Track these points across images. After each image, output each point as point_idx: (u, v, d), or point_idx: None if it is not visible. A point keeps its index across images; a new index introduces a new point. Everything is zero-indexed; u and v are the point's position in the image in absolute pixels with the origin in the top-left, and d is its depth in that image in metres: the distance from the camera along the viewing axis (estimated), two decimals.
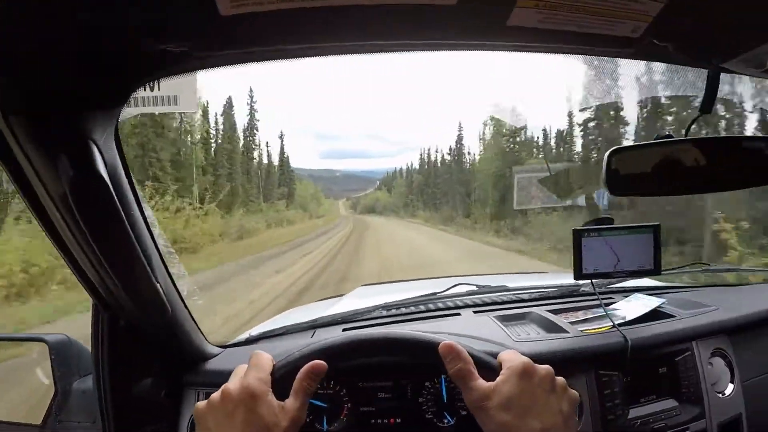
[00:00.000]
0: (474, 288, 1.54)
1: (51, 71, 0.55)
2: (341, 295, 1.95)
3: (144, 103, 0.87)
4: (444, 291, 1.50)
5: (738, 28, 0.68)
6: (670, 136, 0.92)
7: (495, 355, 0.75)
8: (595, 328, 1.19)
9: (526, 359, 0.71)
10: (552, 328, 1.21)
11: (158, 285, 0.85)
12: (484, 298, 1.46)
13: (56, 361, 1.11)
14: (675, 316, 1.26)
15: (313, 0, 0.50)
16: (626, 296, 1.42)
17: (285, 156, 34.81)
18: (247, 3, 0.49)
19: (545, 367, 0.71)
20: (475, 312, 1.37)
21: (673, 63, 0.84)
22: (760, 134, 1.11)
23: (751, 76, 0.84)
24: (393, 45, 0.65)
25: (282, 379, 0.71)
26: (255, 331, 1.35)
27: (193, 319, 1.07)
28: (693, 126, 0.96)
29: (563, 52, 0.71)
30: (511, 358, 0.72)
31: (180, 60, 0.61)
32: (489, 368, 0.73)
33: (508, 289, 1.52)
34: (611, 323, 1.17)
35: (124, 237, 0.72)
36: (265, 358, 0.73)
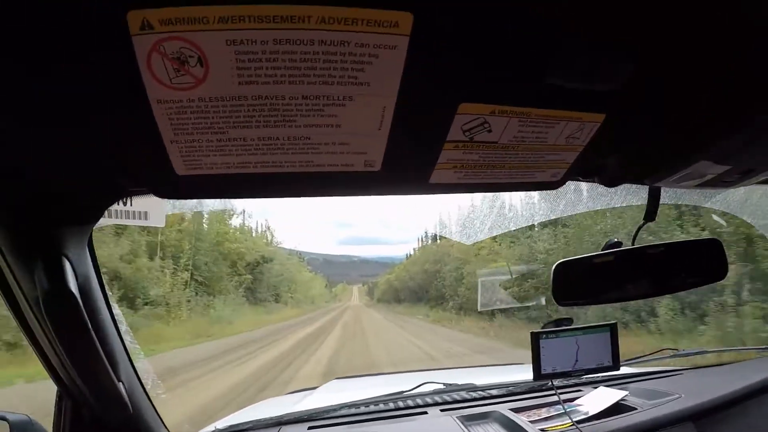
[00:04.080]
0: (441, 386, 1.55)
1: (27, 192, 0.61)
2: (314, 388, 1.95)
3: (117, 215, 0.92)
4: (412, 389, 1.51)
5: (659, 158, 0.73)
6: (619, 243, 0.96)
7: None
8: (554, 426, 1.19)
9: None
10: (513, 428, 1.22)
11: (120, 383, 0.87)
12: (452, 395, 1.47)
13: None
14: (637, 408, 1.27)
15: (256, 168, 0.57)
16: (595, 387, 1.44)
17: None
18: (201, 167, 0.56)
19: None
20: (441, 410, 1.38)
21: (606, 185, 0.88)
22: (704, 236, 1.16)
23: (688, 188, 0.88)
24: (327, 194, 0.70)
25: None
26: (221, 424, 1.34)
27: (157, 413, 1.07)
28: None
29: (490, 192, 0.75)
30: None
31: (144, 192, 0.69)
32: None
33: (474, 388, 1.52)
34: (570, 421, 1.17)
35: (88, 340, 0.75)
36: None
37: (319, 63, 0.43)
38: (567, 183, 0.78)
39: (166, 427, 1.11)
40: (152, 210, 0.98)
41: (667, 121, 0.63)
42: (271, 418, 1.31)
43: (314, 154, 0.55)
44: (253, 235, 22.11)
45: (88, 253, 0.78)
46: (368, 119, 0.51)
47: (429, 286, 22.56)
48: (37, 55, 0.41)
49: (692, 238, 1.05)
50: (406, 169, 0.63)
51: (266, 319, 17.55)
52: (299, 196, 0.69)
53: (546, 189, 0.76)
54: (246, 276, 18.41)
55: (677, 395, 1.32)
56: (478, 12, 0.42)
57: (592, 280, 0.96)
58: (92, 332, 0.74)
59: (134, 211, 0.95)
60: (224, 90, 0.45)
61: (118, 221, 0.96)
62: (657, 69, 0.52)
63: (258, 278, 19.90)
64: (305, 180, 0.61)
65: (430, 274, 22.02)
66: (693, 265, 0.98)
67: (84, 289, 0.74)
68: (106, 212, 0.73)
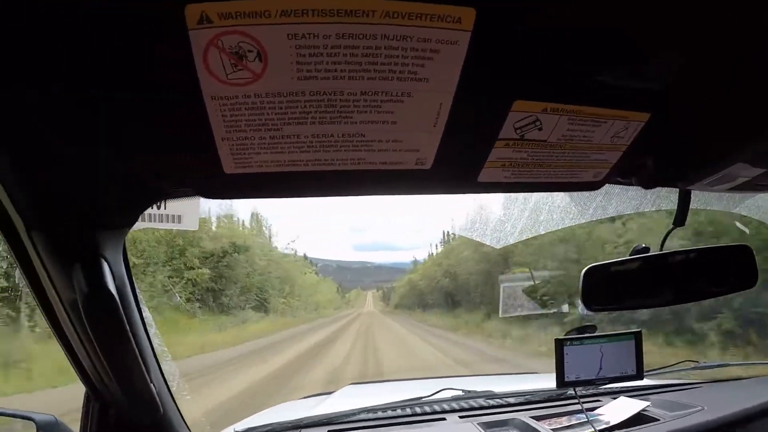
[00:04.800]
0: (460, 392, 1.53)
1: (69, 197, 0.61)
2: (330, 392, 1.94)
3: (150, 219, 0.93)
4: (430, 395, 1.50)
5: (696, 159, 0.73)
6: (647, 249, 0.95)
7: None
8: None
9: None
10: None
11: (152, 385, 0.87)
12: (471, 402, 1.46)
13: None
14: (659, 419, 1.25)
15: (307, 166, 0.57)
16: (614, 398, 1.41)
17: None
18: (251, 165, 0.56)
19: None
20: (460, 417, 1.37)
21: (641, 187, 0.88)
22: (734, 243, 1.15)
23: (720, 192, 0.88)
24: (376, 193, 0.70)
25: None
26: (240, 426, 1.34)
27: (182, 416, 1.08)
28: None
29: (534, 192, 0.75)
30: None
31: (185, 193, 0.69)
32: None
33: (493, 395, 1.51)
34: (593, 429, 1.15)
35: (126, 342, 0.75)
36: None
37: (380, 58, 0.43)
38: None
39: (188, 429, 1.12)
40: (186, 213, 0.99)
41: (708, 121, 0.63)
42: (290, 422, 1.31)
43: (366, 152, 0.55)
44: (236, 225, 16.41)
45: (122, 256, 0.78)
46: (424, 116, 0.51)
47: (472, 290, 16.38)
48: (92, 51, 0.41)
49: (722, 244, 1.04)
50: (456, 167, 0.63)
51: (214, 340, 10.79)
52: (347, 195, 0.70)
53: (587, 189, 0.76)
54: (200, 270, 12.32)
55: (699, 407, 1.30)
56: (537, 9, 0.42)
57: (621, 285, 0.95)
58: (129, 333, 0.74)
59: (168, 215, 0.96)
60: (282, 85, 0.45)
61: (152, 225, 0.97)
62: (702, 68, 0.52)
63: (224, 275, 13.80)
64: (355, 178, 0.61)
65: (477, 274, 15.98)
66: (722, 271, 0.97)
67: (120, 291, 0.74)
68: (140, 216, 0.74)
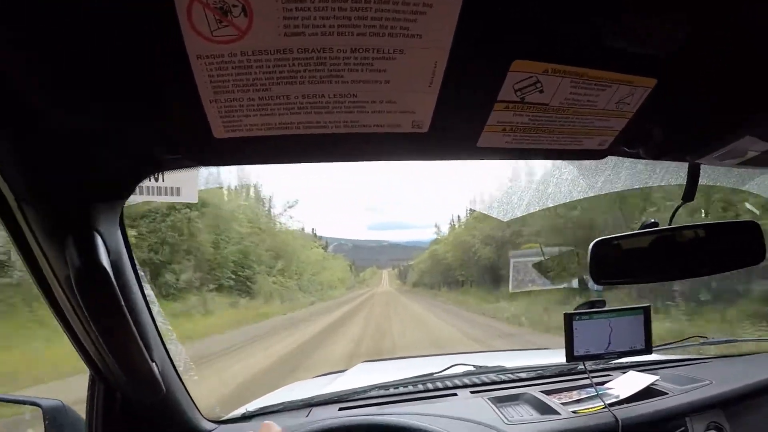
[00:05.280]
0: (471, 368, 1.55)
1: (59, 168, 0.60)
2: (342, 371, 1.96)
3: (148, 192, 0.92)
4: (441, 371, 1.52)
5: (705, 130, 0.72)
6: (655, 224, 0.96)
7: None
8: (587, 409, 1.20)
9: None
10: (545, 409, 1.22)
11: (153, 364, 0.86)
12: (482, 377, 1.48)
13: (49, 427, 1.08)
14: (668, 393, 1.27)
15: (299, 129, 0.55)
16: (624, 372, 1.44)
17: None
18: (241, 129, 0.54)
19: None
20: (471, 392, 1.38)
21: (648, 159, 0.88)
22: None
23: (729, 166, 0.87)
24: (372, 158, 0.69)
25: None
26: (252, 406, 1.36)
27: (190, 396, 1.09)
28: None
29: (536, 159, 0.75)
30: None
31: (179, 163, 0.67)
32: None
33: (504, 370, 1.53)
34: (603, 403, 1.18)
35: (121, 319, 0.74)
36: (276, 430, 0.73)
37: (370, 12, 0.41)
38: (606, 160, 0.77)
39: (198, 409, 1.14)
40: (184, 186, 0.98)
41: (717, 92, 0.62)
42: (302, 400, 1.33)
43: (360, 113, 0.54)
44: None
45: (119, 230, 0.76)
46: (418, 75, 0.49)
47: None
48: (75, 14, 0.40)
49: (729, 220, 1.04)
50: (454, 130, 0.61)
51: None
52: (343, 160, 0.68)
53: (592, 158, 0.75)
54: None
55: (707, 381, 1.32)
56: None
57: (629, 259, 0.96)
58: (125, 310, 0.73)
59: (166, 187, 0.95)
60: (269, 43, 0.43)
61: (150, 198, 0.95)
62: (711, 35, 0.51)
63: (168, 241, 10.30)
64: (350, 142, 0.60)
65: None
66: (730, 247, 0.98)
67: (116, 266, 0.73)
68: (137, 189, 0.71)
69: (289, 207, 19.42)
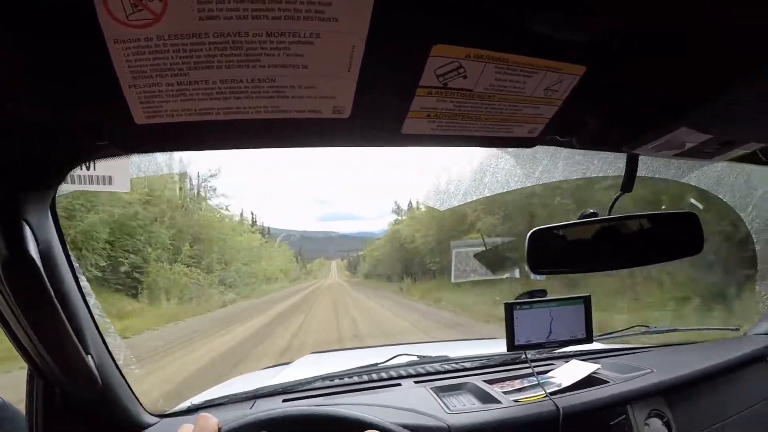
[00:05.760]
0: (415, 358, 1.56)
1: None
2: (288, 363, 1.96)
3: (80, 181, 0.91)
4: (385, 361, 1.52)
5: (639, 120, 0.72)
6: (595, 214, 0.96)
7: None
8: (528, 398, 1.20)
9: None
10: (486, 398, 1.22)
11: (89, 357, 0.86)
12: (426, 367, 1.48)
13: None
14: (609, 381, 1.29)
15: (219, 114, 0.54)
16: (566, 361, 1.45)
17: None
18: (161, 114, 0.53)
19: None
20: (415, 382, 1.38)
21: (583, 149, 0.87)
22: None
23: (666, 158, 0.88)
24: (295, 145, 0.68)
25: None
26: (197, 399, 1.34)
27: (130, 389, 1.06)
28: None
29: (464, 146, 0.73)
30: None
31: (107, 151, 0.66)
32: None
33: (447, 359, 1.54)
34: (544, 392, 1.18)
35: (52, 311, 0.73)
36: (213, 422, 0.71)
37: None
38: (543, 150, 0.76)
39: (140, 403, 1.11)
40: (116, 174, 0.97)
41: (649, 81, 0.61)
42: (247, 392, 1.31)
43: (280, 99, 0.53)
44: None
45: (51, 219, 0.76)
46: (337, 60, 0.49)
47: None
48: None
49: (669, 211, 1.05)
50: (377, 116, 0.61)
51: None
52: (265, 147, 0.67)
53: (523, 146, 0.74)
54: None
55: (649, 370, 1.35)
56: None
57: (567, 248, 0.96)
58: (55, 301, 0.72)
59: (98, 176, 0.94)
60: (184, 27, 0.42)
61: (82, 187, 0.94)
62: (640, 23, 0.50)
63: None
64: (271, 128, 0.59)
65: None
66: (669, 237, 0.99)
67: (47, 256, 0.73)
68: (69, 177, 0.71)
69: (211, 176, 16.13)
